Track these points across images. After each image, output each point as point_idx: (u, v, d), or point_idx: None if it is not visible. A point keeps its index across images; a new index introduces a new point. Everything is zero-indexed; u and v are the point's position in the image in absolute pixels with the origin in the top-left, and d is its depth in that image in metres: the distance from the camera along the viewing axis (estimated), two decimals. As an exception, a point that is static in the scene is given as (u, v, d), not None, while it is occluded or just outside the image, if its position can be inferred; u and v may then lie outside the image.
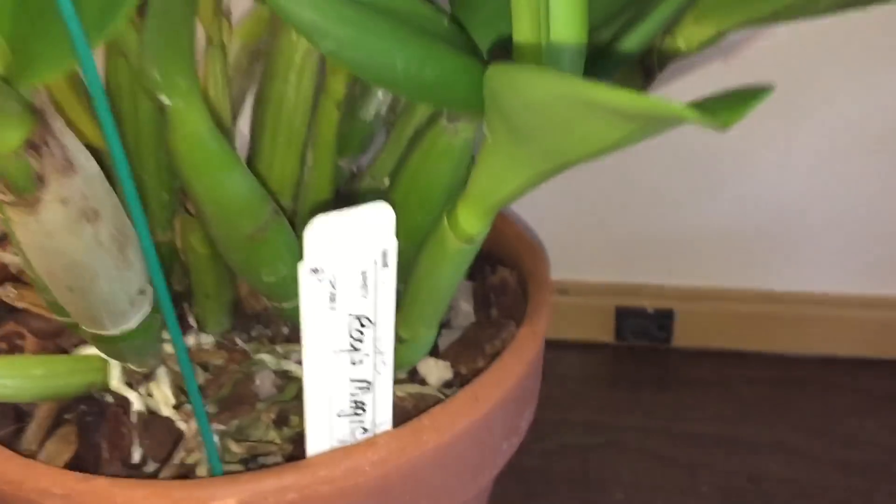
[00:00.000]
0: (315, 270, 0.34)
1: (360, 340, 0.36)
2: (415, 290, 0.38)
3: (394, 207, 0.40)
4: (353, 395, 0.38)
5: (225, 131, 0.40)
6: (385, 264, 0.35)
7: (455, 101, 0.30)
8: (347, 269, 0.34)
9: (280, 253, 0.38)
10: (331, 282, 0.34)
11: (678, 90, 0.66)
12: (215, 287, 0.42)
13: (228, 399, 0.41)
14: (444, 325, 0.49)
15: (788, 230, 0.73)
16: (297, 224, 0.45)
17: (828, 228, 0.73)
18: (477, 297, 0.50)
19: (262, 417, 0.41)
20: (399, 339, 0.41)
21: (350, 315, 0.35)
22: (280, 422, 0.41)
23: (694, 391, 0.74)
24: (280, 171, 0.43)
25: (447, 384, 0.46)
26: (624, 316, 0.76)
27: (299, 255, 0.39)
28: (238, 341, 0.44)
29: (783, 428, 0.69)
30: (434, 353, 0.46)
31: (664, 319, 0.76)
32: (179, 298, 0.45)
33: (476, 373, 0.46)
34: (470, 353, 0.46)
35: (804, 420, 0.70)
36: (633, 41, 0.33)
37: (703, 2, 0.38)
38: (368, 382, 0.38)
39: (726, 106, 0.19)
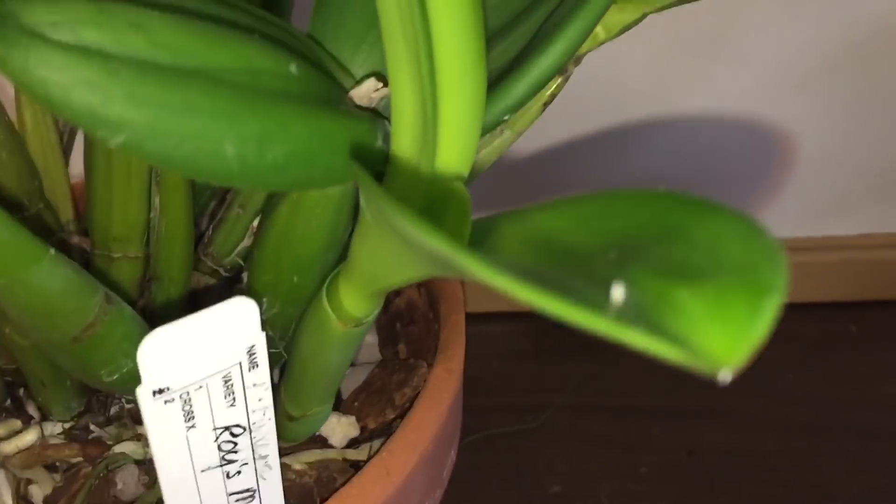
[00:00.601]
0: (160, 391, 0.26)
1: (234, 451, 0.29)
2: (300, 370, 0.31)
3: (262, 268, 0.32)
4: (234, 508, 0.31)
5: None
6: (254, 364, 0.28)
7: (315, 180, 0.22)
8: (204, 380, 0.27)
9: (120, 347, 0.30)
10: (183, 399, 0.26)
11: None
12: (51, 376, 0.34)
13: (84, 512, 0.33)
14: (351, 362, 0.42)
15: (713, 177, 0.67)
16: (153, 280, 0.37)
17: (755, 173, 0.67)
18: (381, 327, 0.43)
19: (129, 529, 0.33)
20: (290, 418, 0.34)
21: (216, 429, 0.28)
22: (153, 526, 0.34)
23: (624, 360, 0.69)
24: (122, 214, 0.35)
25: (354, 441, 0.39)
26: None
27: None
28: (93, 427, 0.36)
29: (719, 391, 0.65)
30: (336, 403, 0.40)
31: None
32: (13, 383, 0.37)
33: (385, 426, 0.39)
34: (377, 403, 0.39)
35: (740, 379, 0.66)
36: (548, 61, 0.25)
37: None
38: (252, 490, 0.31)
39: (716, 330, 0.12)
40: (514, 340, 0.71)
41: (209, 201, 0.40)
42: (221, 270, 0.39)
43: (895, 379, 0.64)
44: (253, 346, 0.27)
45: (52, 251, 0.27)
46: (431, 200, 0.22)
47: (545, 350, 0.70)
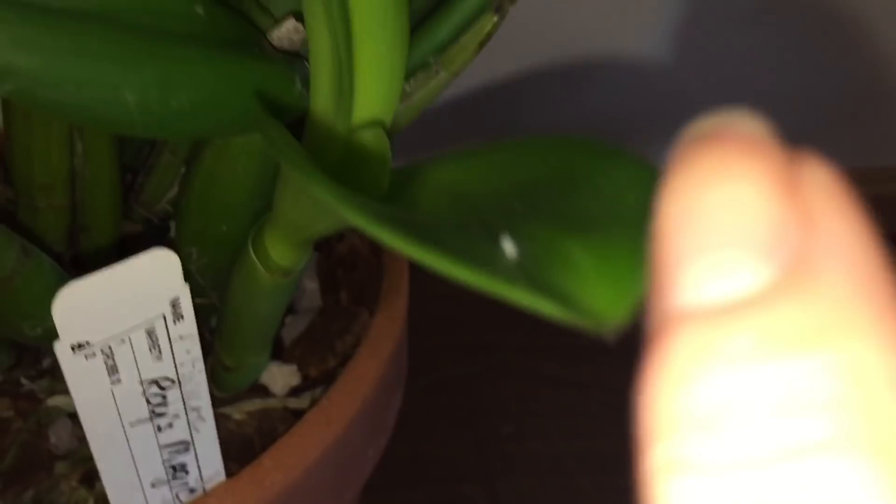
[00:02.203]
0: (78, 346, 0.25)
1: (164, 404, 0.29)
2: (233, 319, 0.30)
3: (189, 217, 0.31)
4: (167, 460, 0.30)
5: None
6: (179, 316, 0.27)
7: (226, 128, 0.21)
8: (126, 334, 0.26)
9: (42, 300, 0.29)
10: (105, 353, 0.26)
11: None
12: (-25, 329, 0.33)
13: (17, 467, 0.33)
14: (291, 310, 0.41)
15: (663, 115, 0.67)
16: (81, 229, 0.36)
17: (703, 109, 0.67)
18: (323, 273, 0.42)
19: (63, 483, 0.33)
20: (225, 368, 0.33)
21: (143, 382, 0.27)
22: (89, 479, 0.34)
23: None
24: (44, 161, 0.34)
25: (295, 390, 0.39)
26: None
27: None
28: (24, 381, 0.36)
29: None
30: (277, 352, 0.39)
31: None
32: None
33: (327, 375, 0.39)
34: (318, 351, 0.39)
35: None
36: None
37: None
38: (186, 442, 0.30)
39: (602, 286, 0.11)
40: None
41: (142, 147, 0.39)
42: (154, 219, 0.38)
43: None
44: (177, 298, 0.26)
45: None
46: (350, 150, 0.22)
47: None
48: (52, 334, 0.31)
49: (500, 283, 0.11)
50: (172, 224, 0.33)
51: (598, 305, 0.11)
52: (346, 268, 0.42)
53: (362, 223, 0.15)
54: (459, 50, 0.32)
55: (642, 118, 0.67)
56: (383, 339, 0.38)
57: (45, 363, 0.37)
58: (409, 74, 0.26)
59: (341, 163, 0.22)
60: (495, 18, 0.33)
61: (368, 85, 0.21)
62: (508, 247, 0.12)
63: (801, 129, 0.68)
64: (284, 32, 0.25)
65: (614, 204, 0.14)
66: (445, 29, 0.24)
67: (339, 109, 0.22)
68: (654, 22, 0.63)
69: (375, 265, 0.42)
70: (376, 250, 0.42)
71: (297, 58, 0.25)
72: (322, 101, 0.22)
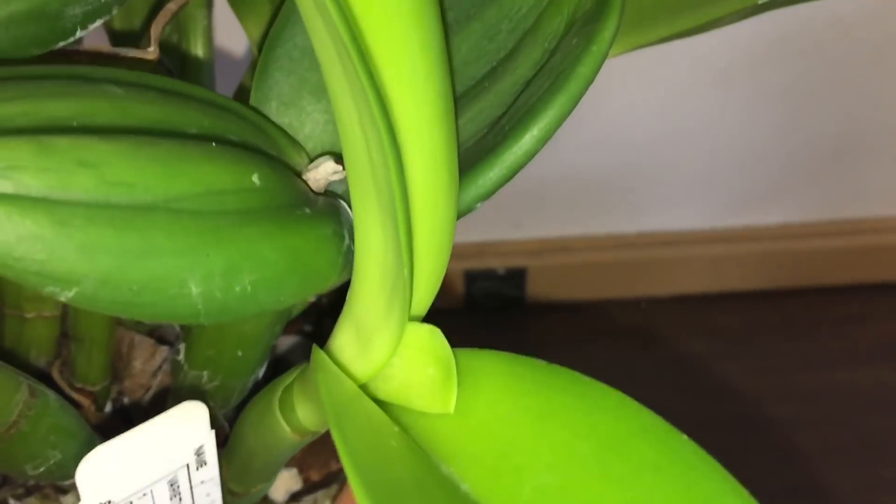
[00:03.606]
0: (104, 510, 0.23)
1: (184, 548, 0.27)
2: (247, 458, 0.29)
3: (203, 341, 0.30)
4: None
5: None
6: (202, 462, 0.25)
7: (284, 301, 0.20)
8: (148, 487, 0.24)
9: (47, 440, 0.27)
10: (129, 512, 0.24)
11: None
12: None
13: None
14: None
15: (636, 172, 0.67)
16: (73, 340, 0.34)
17: (676, 167, 0.67)
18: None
19: None
20: (232, 493, 0.32)
21: (165, 533, 0.26)
22: None
23: (552, 354, 0.68)
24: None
25: (296, 495, 0.37)
26: (473, 279, 0.69)
27: (76, 427, 0.29)
28: (12, 501, 0.33)
29: (646, 386, 0.66)
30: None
31: (517, 279, 0.69)
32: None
33: (329, 478, 0.38)
34: (321, 454, 0.37)
35: (667, 373, 0.67)
36: (523, 148, 0.23)
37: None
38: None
39: None
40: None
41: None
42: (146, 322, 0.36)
43: (817, 369, 0.66)
44: (202, 447, 0.25)
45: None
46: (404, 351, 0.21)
47: (472, 344, 0.69)
48: (55, 471, 0.29)
49: None
50: (180, 347, 0.31)
51: None
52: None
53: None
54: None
55: (617, 171, 0.67)
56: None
57: (31, 482, 0.35)
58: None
59: (394, 370, 0.20)
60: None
61: (427, 273, 0.20)
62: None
63: (771, 185, 0.69)
64: (322, 175, 0.24)
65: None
66: (492, 177, 0.23)
67: (391, 303, 0.20)
68: (630, 79, 0.63)
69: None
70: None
71: (335, 200, 0.24)
72: (367, 290, 0.20)
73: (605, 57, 0.24)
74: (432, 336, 0.20)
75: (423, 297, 0.20)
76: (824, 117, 0.66)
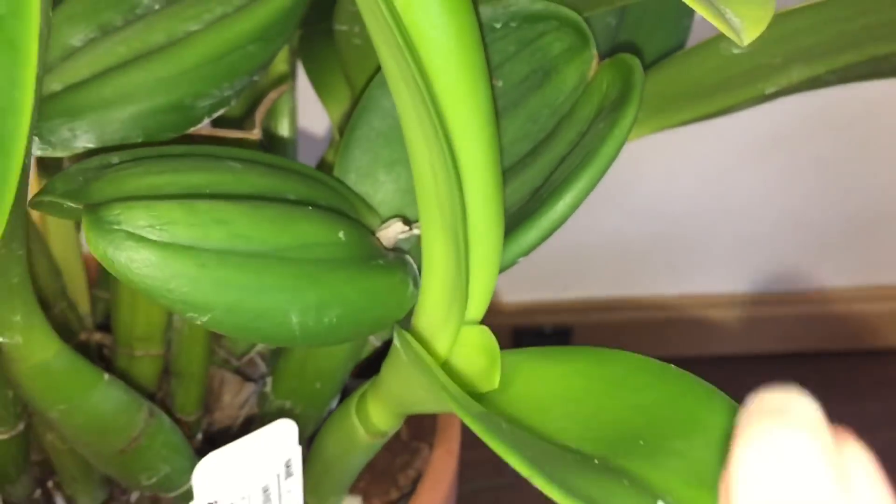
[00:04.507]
0: (209, 507, 0.28)
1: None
2: (324, 470, 0.34)
3: (287, 376, 0.35)
4: None
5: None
6: (290, 473, 0.30)
7: (362, 333, 0.25)
8: (247, 492, 0.29)
9: (160, 454, 0.32)
10: (228, 511, 0.29)
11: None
12: (82, 472, 0.36)
13: None
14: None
15: (677, 239, 0.71)
16: (173, 375, 0.39)
17: (715, 234, 0.72)
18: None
19: None
20: (308, 508, 0.36)
21: (254, 534, 0.31)
22: None
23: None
24: (145, 317, 0.37)
25: (361, 520, 0.42)
26: (522, 336, 0.74)
27: (182, 445, 0.34)
28: (118, 515, 0.39)
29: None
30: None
31: (563, 336, 0.74)
32: (42, 475, 0.39)
33: (389, 505, 0.42)
34: (382, 484, 0.42)
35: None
36: (558, 212, 0.28)
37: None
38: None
39: None
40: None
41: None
42: (233, 360, 0.42)
43: (857, 430, 0.68)
44: (290, 459, 0.30)
45: (107, 376, 0.29)
46: (463, 347, 0.25)
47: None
48: (164, 483, 0.34)
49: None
50: (268, 380, 0.36)
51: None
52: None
53: (489, 442, 0.19)
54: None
55: (665, 242, 0.71)
56: (442, 472, 0.41)
57: (133, 497, 0.40)
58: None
59: (454, 359, 0.25)
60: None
61: (479, 286, 0.25)
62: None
63: (811, 251, 0.72)
64: (392, 233, 0.29)
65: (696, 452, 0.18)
66: (532, 236, 0.28)
67: (451, 309, 0.25)
68: (676, 151, 0.68)
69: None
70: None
71: (402, 255, 0.29)
72: (434, 301, 0.26)
73: (625, 138, 0.29)
74: (482, 334, 0.25)
75: (477, 307, 0.25)
76: (857, 189, 0.70)
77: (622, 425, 0.21)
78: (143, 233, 0.20)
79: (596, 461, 0.20)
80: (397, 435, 0.45)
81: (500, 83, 0.32)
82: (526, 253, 0.28)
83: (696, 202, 0.70)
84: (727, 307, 0.74)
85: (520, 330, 0.73)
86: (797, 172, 0.69)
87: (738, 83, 0.34)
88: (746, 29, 0.21)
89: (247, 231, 0.22)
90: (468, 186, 0.24)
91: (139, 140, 0.26)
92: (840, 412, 0.66)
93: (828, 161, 0.69)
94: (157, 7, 0.28)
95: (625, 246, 0.72)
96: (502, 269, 0.30)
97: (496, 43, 0.31)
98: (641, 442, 0.20)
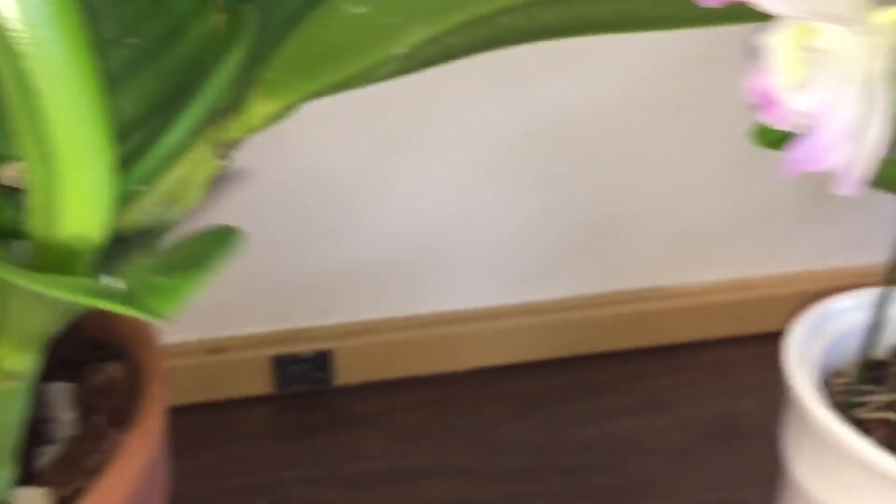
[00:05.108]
0: None
1: None
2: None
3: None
4: None
5: None
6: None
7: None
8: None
9: None
10: None
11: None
12: None
13: None
14: (48, 440, 0.44)
15: (426, 255, 0.75)
16: None
17: (459, 252, 0.76)
18: (82, 403, 0.45)
19: None
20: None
21: None
22: None
23: (360, 429, 0.74)
24: None
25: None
26: (282, 364, 0.74)
27: None
28: None
29: (444, 448, 0.71)
30: (31, 478, 0.41)
31: (323, 361, 0.75)
32: None
33: (78, 494, 0.41)
34: (70, 472, 0.41)
35: (463, 436, 0.73)
36: (172, 137, 0.30)
37: (270, 79, 0.37)
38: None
39: (157, 292, 0.17)
40: (251, 423, 0.74)
41: None
42: None
43: (596, 422, 0.72)
44: None
45: None
46: (59, 254, 0.27)
47: (283, 428, 0.74)
48: None
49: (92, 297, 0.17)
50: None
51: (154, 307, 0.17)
52: (103, 396, 0.45)
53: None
54: (185, 187, 0.38)
55: (408, 258, 0.75)
56: (132, 455, 0.41)
57: None
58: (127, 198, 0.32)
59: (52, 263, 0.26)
60: (219, 162, 0.39)
61: (75, 209, 0.27)
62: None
63: (544, 263, 0.78)
64: (8, 175, 0.30)
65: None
66: (149, 162, 0.30)
67: (49, 226, 0.27)
68: (410, 176, 0.72)
69: (133, 391, 0.45)
70: (134, 378, 0.46)
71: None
72: (36, 219, 0.27)
73: (230, 75, 0.31)
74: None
75: (81, 217, 0.26)
76: (585, 201, 0.76)
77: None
78: None
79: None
80: (93, 425, 0.45)
81: (135, 40, 0.34)
82: (145, 181, 0.30)
83: (438, 223, 0.74)
84: (478, 321, 0.78)
85: (280, 358, 0.74)
86: (527, 188, 0.75)
87: (366, 45, 0.37)
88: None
89: None
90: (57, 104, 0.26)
91: None
92: (584, 407, 0.71)
93: (554, 177, 0.74)
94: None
95: (377, 269, 0.75)
96: (126, 196, 0.31)
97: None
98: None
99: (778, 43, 0.24)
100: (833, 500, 0.47)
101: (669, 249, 0.79)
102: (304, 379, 0.75)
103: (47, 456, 0.43)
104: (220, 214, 0.69)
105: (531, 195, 0.75)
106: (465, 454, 0.71)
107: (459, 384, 0.77)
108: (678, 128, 0.74)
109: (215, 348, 0.73)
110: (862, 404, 0.51)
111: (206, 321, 0.73)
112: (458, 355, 0.78)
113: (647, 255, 0.79)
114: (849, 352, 0.54)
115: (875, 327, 0.52)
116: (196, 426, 0.72)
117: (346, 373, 0.76)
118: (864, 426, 0.49)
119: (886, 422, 0.49)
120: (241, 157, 0.66)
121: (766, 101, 0.25)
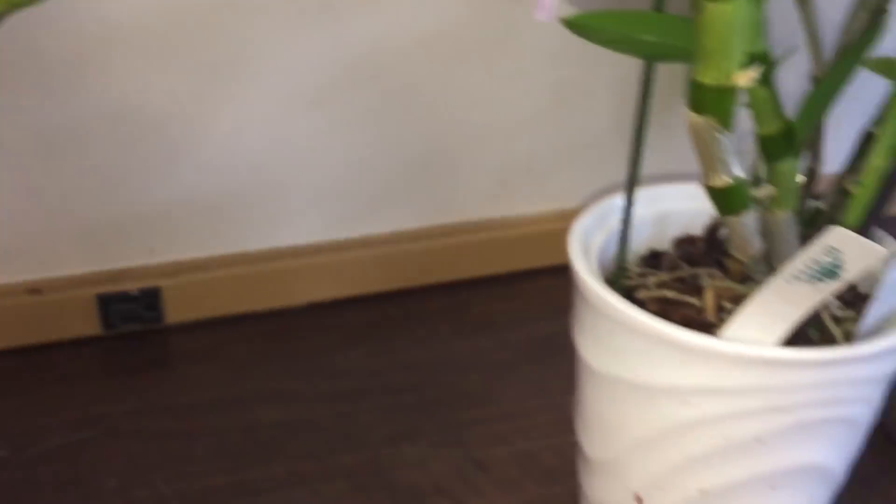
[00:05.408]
0: None
1: None
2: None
3: None
4: None
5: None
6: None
7: None
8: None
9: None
10: None
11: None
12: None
13: None
14: None
15: (253, 190, 0.75)
16: None
17: (291, 184, 0.76)
18: None
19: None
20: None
21: None
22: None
23: (191, 364, 0.74)
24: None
25: None
26: (108, 303, 0.73)
27: None
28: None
29: (277, 377, 0.72)
30: None
31: (151, 299, 0.75)
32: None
33: None
34: None
35: (295, 365, 0.74)
36: None
37: None
38: None
39: None
40: (79, 363, 0.73)
41: None
42: None
43: (428, 345, 0.75)
44: None
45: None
46: None
47: (112, 366, 0.73)
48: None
49: None
50: None
51: None
52: None
53: None
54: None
55: (237, 190, 0.75)
56: None
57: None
58: None
59: None
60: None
61: None
62: None
63: (375, 197, 0.79)
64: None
65: None
66: None
67: None
68: (234, 106, 0.72)
69: None
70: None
71: None
72: None
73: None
74: None
75: None
76: (412, 134, 0.78)
77: None
78: None
79: None
80: None
81: None
82: None
83: (264, 154, 0.75)
84: (312, 255, 0.79)
85: (105, 297, 0.73)
86: (353, 121, 0.76)
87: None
88: None
89: None
90: None
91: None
92: (415, 334, 0.73)
93: (377, 109, 0.76)
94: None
95: (206, 203, 0.75)
96: None
97: None
98: None
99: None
100: (608, 366, 0.51)
101: (497, 181, 0.82)
102: (132, 318, 0.74)
103: None
104: (31, 145, 0.68)
105: (358, 128, 0.76)
106: (297, 381, 0.72)
107: (293, 318, 0.78)
108: (500, 59, 0.77)
109: (35, 288, 0.72)
110: (642, 287, 0.54)
111: (25, 262, 0.72)
112: (291, 290, 0.78)
113: (475, 188, 0.82)
114: (634, 244, 0.57)
115: (652, 221, 0.56)
116: (21, 368, 0.71)
117: (177, 311, 0.76)
118: (643, 305, 0.52)
119: (661, 299, 0.53)
120: (58, 79, 0.65)
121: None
